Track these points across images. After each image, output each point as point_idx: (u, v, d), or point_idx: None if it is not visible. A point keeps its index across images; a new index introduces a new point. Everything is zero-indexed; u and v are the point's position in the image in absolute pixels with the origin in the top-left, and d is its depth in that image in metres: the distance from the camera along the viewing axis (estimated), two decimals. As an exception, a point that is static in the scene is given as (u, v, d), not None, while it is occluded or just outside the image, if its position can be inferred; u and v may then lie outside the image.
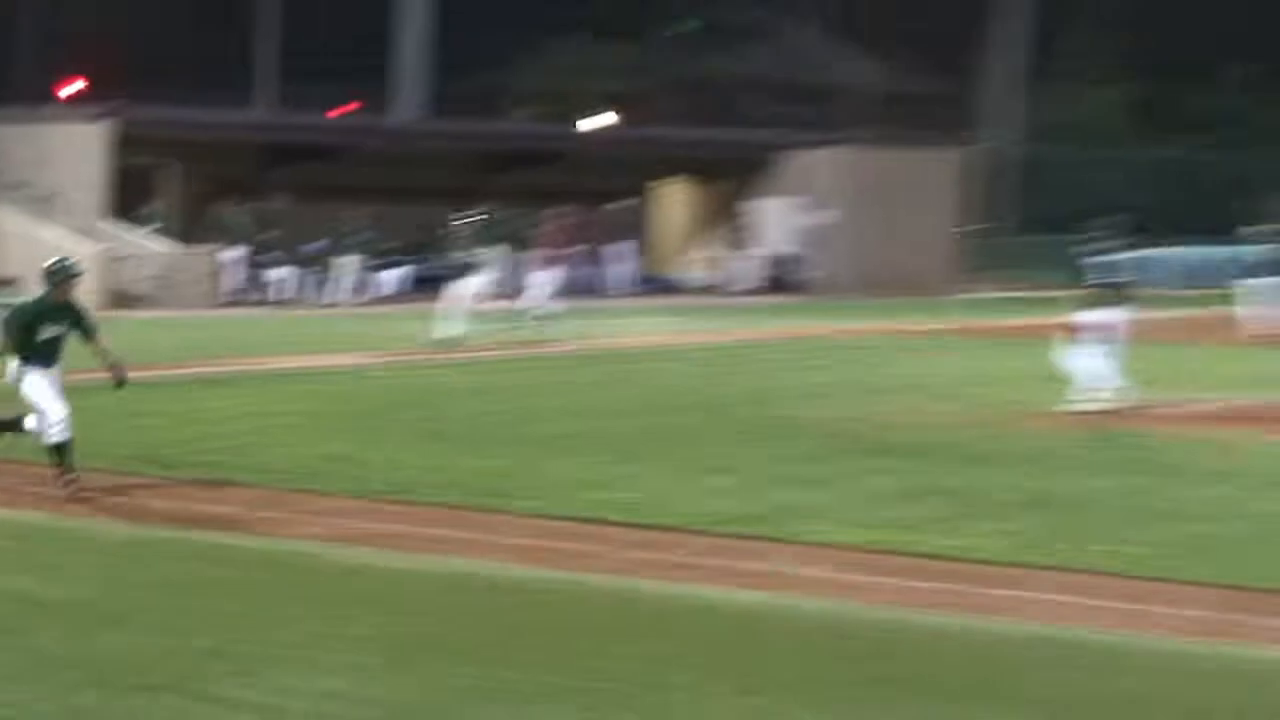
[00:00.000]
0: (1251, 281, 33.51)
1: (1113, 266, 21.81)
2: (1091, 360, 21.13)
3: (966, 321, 36.70)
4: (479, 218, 32.31)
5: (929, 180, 42.01)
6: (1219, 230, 40.70)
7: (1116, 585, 11.64)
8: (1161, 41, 60.72)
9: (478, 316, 30.15)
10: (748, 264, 42.11)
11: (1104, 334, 21.16)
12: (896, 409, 21.99)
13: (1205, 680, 9.47)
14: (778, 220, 40.90)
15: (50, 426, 14.28)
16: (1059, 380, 21.43)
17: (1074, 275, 22.41)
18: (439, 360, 27.72)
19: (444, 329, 29.39)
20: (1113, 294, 21.47)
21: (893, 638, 10.15)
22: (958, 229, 43.14)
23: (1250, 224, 35.42)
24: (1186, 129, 62.06)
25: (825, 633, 10.35)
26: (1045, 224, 36.88)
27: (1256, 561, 12.41)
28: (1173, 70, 62.44)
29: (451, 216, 33.61)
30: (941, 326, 35.62)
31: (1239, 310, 34.04)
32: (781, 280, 41.61)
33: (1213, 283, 39.63)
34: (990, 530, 13.61)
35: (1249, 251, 34.84)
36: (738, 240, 42.23)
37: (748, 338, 33.98)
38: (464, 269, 30.46)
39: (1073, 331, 21.59)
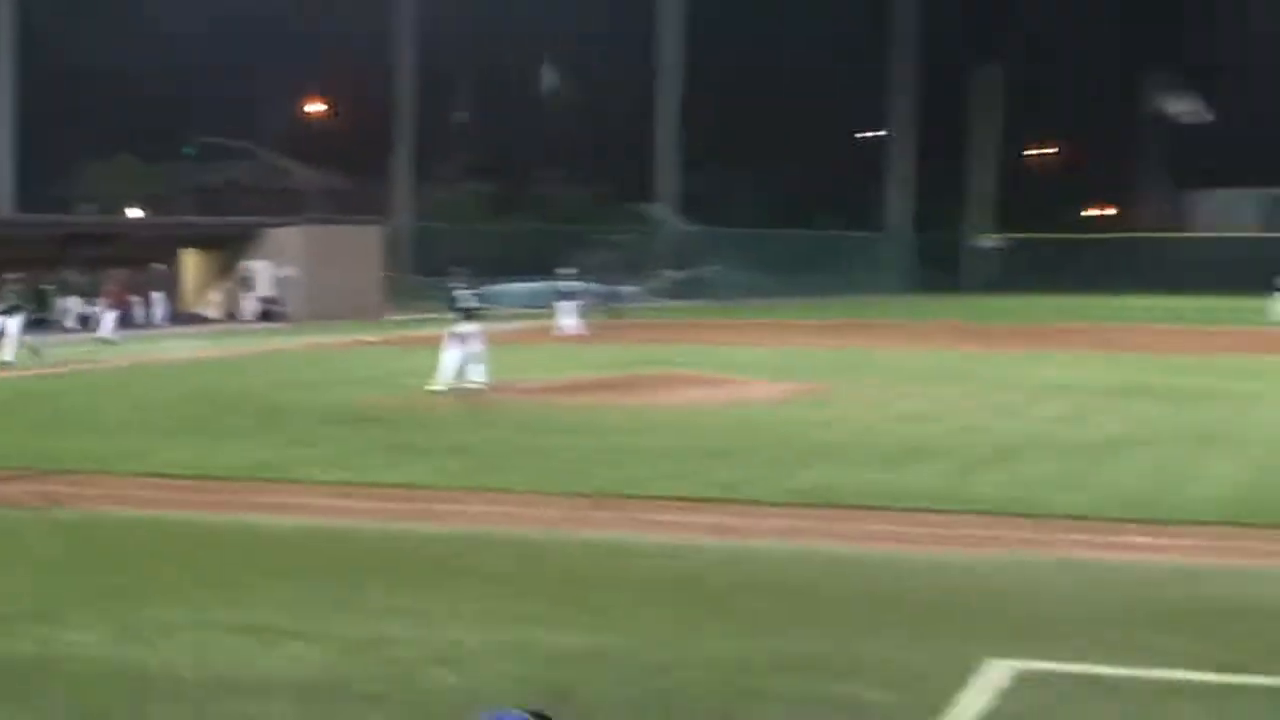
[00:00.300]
0: (558, 304, 48.74)
1: (468, 297, 29.21)
2: (454, 358, 28.11)
3: (390, 335, 46.71)
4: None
5: (360, 245, 58.54)
6: (542, 272, 58.41)
7: (512, 498, 16.77)
8: (500, 153, 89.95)
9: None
10: (247, 303, 55.50)
11: (464, 340, 28.11)
12: (358, 394, 28.24)
13: (577, 549, 14.20)
14: (263, 274, 55.45)
15: None
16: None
17: (446, 304, 30.01)
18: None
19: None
20: (467, 314, 28.64)
21: (374, 542, 14.48)
22: (381, 275, 60.14)
23: (561, 268, 52.74)
24: (516, 210, 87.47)
25: (328, 539, 14.65)
26: (431, 271, 48.46)
27: (587, 479, 17.75)
28: (508, 172, 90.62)
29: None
30: (376, 339, 44.90)
31: (553, 322, 47.24)
32: (270, 313, 56.45)
33: (540, 305, 54.88)
34: (426, 467, 18.99)
35: (559, 285, 50.89)
36: (238, 288, 56.13)
37: (252, 352, 40.90)
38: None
39: (447, 339, 28.56)
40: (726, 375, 32.39)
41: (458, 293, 29.23)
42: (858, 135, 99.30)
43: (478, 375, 28.19)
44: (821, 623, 11.25)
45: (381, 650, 10.33)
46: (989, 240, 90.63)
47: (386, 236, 62.97)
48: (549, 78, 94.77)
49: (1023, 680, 9.71)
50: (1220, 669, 9.94)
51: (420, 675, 9.76)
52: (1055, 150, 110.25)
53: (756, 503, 16.60)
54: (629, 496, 16.98)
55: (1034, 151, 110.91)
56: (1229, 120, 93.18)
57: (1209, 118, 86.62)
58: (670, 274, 73.74)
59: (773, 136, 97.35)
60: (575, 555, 13.94)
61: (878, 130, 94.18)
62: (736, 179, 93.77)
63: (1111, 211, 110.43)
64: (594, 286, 62.35)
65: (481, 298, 30.69)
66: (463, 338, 28.29)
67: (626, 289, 63.32)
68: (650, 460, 19.61)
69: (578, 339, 44.44)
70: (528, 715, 3.23)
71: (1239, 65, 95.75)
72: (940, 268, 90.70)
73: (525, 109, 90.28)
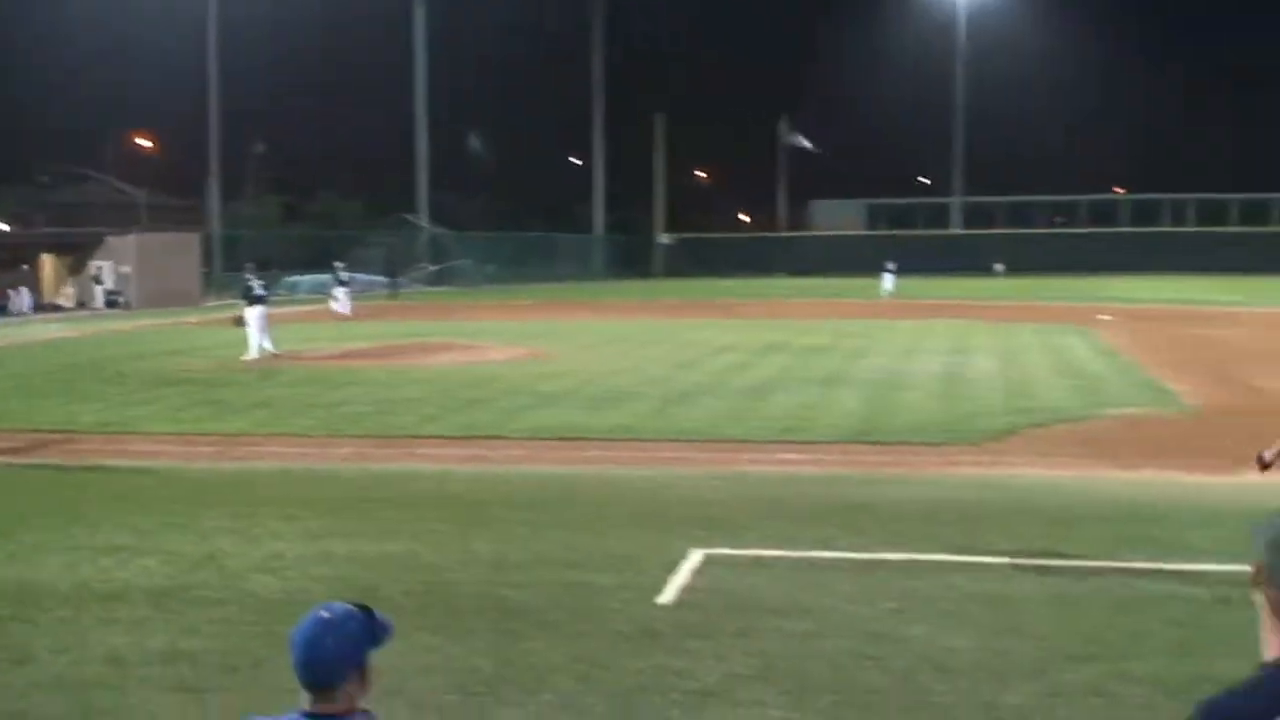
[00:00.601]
0: (334, 290, 46.56)
1: (257, 286, 27.96)
2: (253, 332, 27.12)
3: (206, 317, 43.58)
4: None
5: (183, 248, 56.63)
6: (323, 265, 55.89)
7: (309, 440, 16.34)
8: (291, 173, 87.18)
9: None
10: (98, 294, 52.22)
11: (256, 320, 27.16)
12: (183, 363, 26.83)
13: (365, 478, 13.89)
14: (108, 272, 52.55)
15: None
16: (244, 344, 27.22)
17: (241, 292, 28.72)
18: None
19: None
20: (257, 299, 27.55)
21: (202, 478, 14.13)
22: (200, 271, 57.38)
23: (338, 260, 50.15)
24: (304, 218, 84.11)
25: (167, 477, 14.13)
26: (237, 268, 46.08)
27: (367, 423, 17.42)
28: (300, 186, 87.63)
29: None
30: (196, 320, 41.85)
31: (329, 305, 45.54)
32: (113, 302, 53.41)
33: (323, 292, 52.06)
34: (240, 419, 18.33)
35: (335, 275, 47.66)
36: (88, 282, 52.95)
37: (100, 332, 38.18)
38: None
39: (246, 319, 27.51)
40: (471, 342, 32.04)
41: (250, 282, 28.40)
42: (570, 159, 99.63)
43: (268, 345, 27.30)
44: (560, 526, 11.18)
45: (216, 562, 10.01)
46: (667, 238, 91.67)
47: (203, 241, 60.90)
48: (474, 144, 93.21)
49: (712, 563, 9.80)
50: (855, 549, 10.18)
51: (249, 581, 9.48)
52: (710, 171, 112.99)
53: (499, 437, 16.47)
54: (401, 436, 16.68)
55: (699, 172, 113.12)
56: (834, 149, 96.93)
57: (818, 150, 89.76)
58: (428, 267, 72.69)
59: (504, 160, 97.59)
60: (364, 482, 13.63)
61: (585, 155, 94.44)
62: (476, 193, 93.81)
63: (748, 219, 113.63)
64: (376, 278, 61.88)
65: (267, 286, 29.60)
66: (255, 317, 27.46)
67: (401, 279, 62.31)
68: (415, 408, 19.30)
69: (349, 318, 43.29)
70: (352, 606, 3.03)
71: (841, 109, 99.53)
72: (633, 260, 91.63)
73: (311, 137, 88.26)
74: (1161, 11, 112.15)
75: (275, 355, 27.09)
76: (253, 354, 27.02)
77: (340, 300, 45.12)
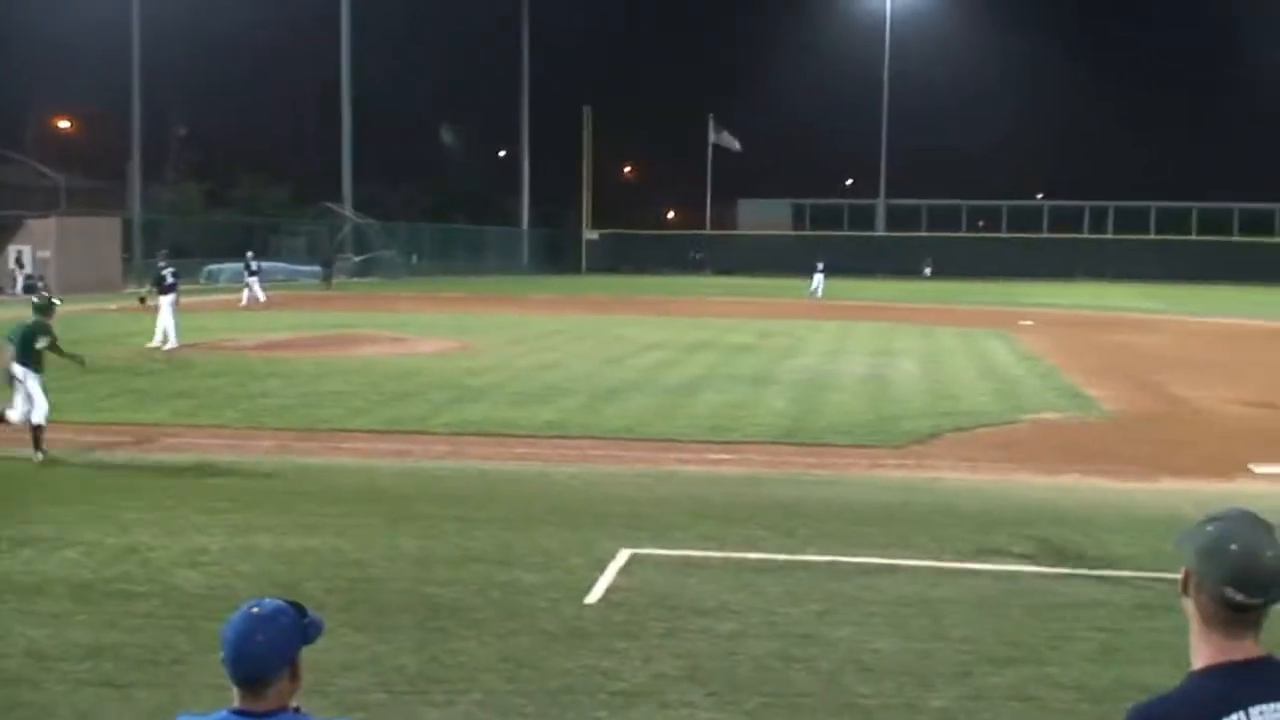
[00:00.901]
0: (248, 279, 44.93)
1: (168, 275, 27.80)
2: (166, 319, 26.71)
3: (126, 303, 41.11)
4: None
5: (103, 233, 55.28)
6: (237, 254, 52.77)
7: (232, 432, 16.10)
8: (213, 158, 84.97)
9: None
10: (18, 276, 50.17)
11: (168, 307, 26.84)
12: (104, 350, 25.66)
13: (289, 471, 13.74)
14: (27, 256, 51.41)
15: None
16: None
17: (153, 280, 28.47)
18: None
19: None
20: (168, 287, 27.30)
21: (124, 468, 13.93)
22: (120, 257, 56.12)
23: (249, 251, 47.69)
24: (226, 205, 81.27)
25: (89, 467, 13.98)
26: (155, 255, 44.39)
27: (291, 416, 17.30)
28: (224, 171, 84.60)
29: None
30: (115, 307, 39.90)
31: (244, 294, 44.47)
32: (31, 287, 49.30)
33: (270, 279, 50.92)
34: (161, 409, 18.09)
35: (249, 264, 45.77)
36: (8, 265, 51.28)
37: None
38: None
39: (160, 306, 27.09)
40: (397, 334, 31.83)
41: (163, 270, 28.24)
42: (499, 153, 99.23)
43: (173, 335, 26.89)
44: (487, 524, 11.14)
45: (138, 555, 9.87)
46: (594, 234, 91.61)
47: (124, 226, 59.52)
48: (447, 136, 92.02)
49: (640, 562, 9.83)
50: (782, 550, 10.26)
51: (171, 575, 9.35)
52: (638, 168, 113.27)
53: (426, 432, 16.36)
54: (325, 429, 16.51)
55: (628, 168, 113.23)
56: (762, 148, 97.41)
57: (740, 150, 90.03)
58: (352, 257, 72.01)
59: (432, 152, 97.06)
60: (287, 475, 13.50)
61: (514, 149, 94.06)
62: (402, 183, 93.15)
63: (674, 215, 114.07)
64: (302, 266, 61.33)
65: (178, 274, 29.20)
66: (166, 305, 27.18)
67: (333, 268, 61.54)
68: (340, 400, 19.12)
69: (263, 306, 42.79)
70: (283, 602, 3.03)
71: (770, 108, 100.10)
72: (560, 255, 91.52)
73: (233, 121, 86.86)
74: (1088, 18, 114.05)
75: (179, 346, 26.69)
76: (162, 341, 26.65)
77: (252, 288, 44.69)
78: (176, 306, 27.36)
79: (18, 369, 14.20)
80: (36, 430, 14.01)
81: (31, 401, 14.12)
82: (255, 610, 3.02)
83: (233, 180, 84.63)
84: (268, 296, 44.72)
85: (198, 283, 57.26)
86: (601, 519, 11.34)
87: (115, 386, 20.49)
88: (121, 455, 14.66)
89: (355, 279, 66.89)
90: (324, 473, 13.67)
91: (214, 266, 60.29)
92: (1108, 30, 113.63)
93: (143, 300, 27.62)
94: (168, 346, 26.41)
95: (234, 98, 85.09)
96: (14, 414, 14.20)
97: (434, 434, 16.25)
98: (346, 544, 10.28)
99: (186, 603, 8.57)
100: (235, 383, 21.21)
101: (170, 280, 27.69)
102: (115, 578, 9.22)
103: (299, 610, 3.05)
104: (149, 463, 14.23)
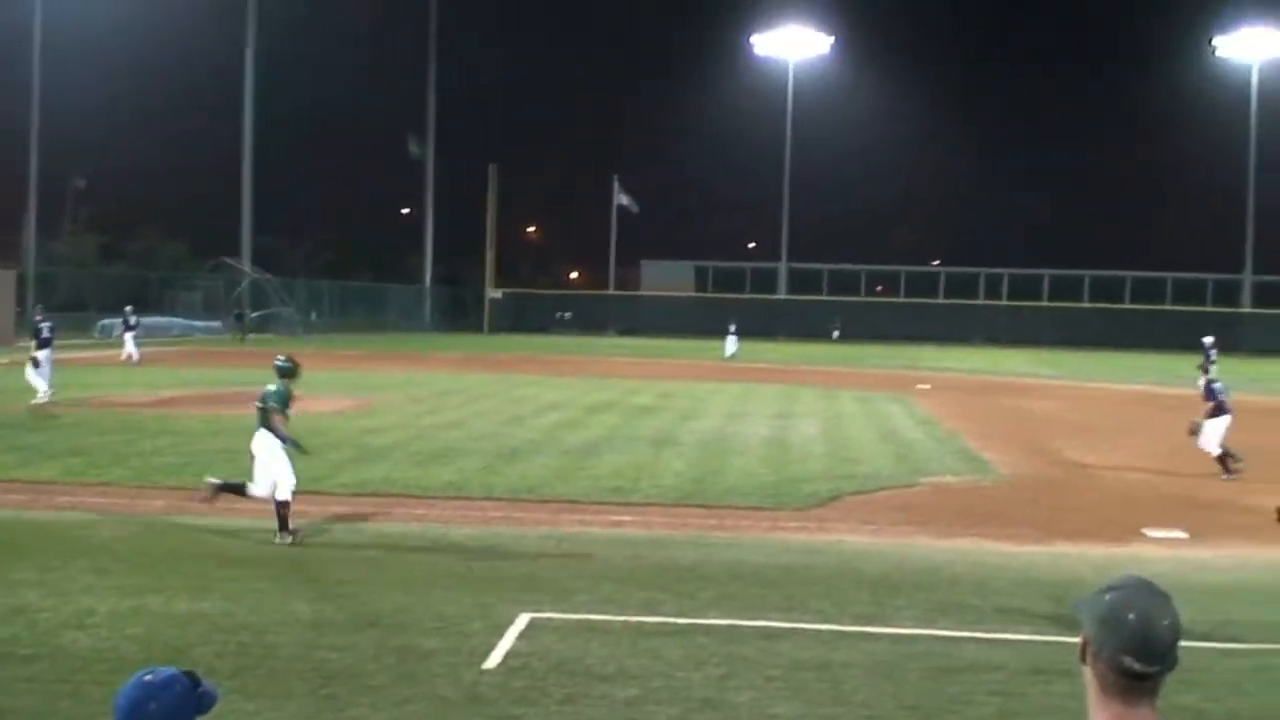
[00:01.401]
0: (125, 335, 43.73)
1: (45, 330, 27.65)
2: (39, 377, 26.07)
3: (17, 358, 39.75)
4: None
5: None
6: (144, 306, 52.43)
7: (122, 490, 15.74)
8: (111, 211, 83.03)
9: None
10: None
11: (43, 364, 26.28)
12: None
13: (179, 531, 13.43)
14: None
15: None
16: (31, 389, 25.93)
17: (32, 335, 27.98)
18: None
19: None
20: (44, 341, 27.00)
21: (10, 527, 13.55)
22: (13, 310, 54.12)
23: (128, 306, 45.61)
24: (123, 258, 79.86)
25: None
26: (54, 308, 42.39)
27: (181, 474, 16.65)
28: (121, 224, 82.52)
29: None
30: (5, 361, 38.30)
31: (125, 350, 43.35)
32: None
33: (145, 337, 48.78)
34: (51, 466, 17.59)
35: (127, 320, 44.64)
36: None
37: None
38: None
39: (29, 363, 26.49)
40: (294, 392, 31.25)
41: (40, 325, 28.07)
42: (403, 210, 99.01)
43: (44, 390, 26.15)
44: (384, 586, 10.96)
45: (25, 617, 9.58)
46: (498, 292, 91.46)
47: (17, 279, 57.62)
48: (415, 147, 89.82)
49: (539, 626, 9.72)
50: (682, 614, 10.22)
51: (59, 637, 9.09)
52: (542, 228, 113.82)
53: (323, 493, 16.08)
54: (219, 489, 16.09)
55: (531, 228, 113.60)
56: (665, 211, 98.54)
57: (636, 210, 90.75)
58: (249, 313, 71.02)
59: (333, 208, 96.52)
60: (178, 536, 13.20)
61: (415, 206, 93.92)
62: (301, 240, 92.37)
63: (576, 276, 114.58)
64: (200, 321, 60.45)
65: (54, 329, 28.68)
66: (43, 360, 26.70)
67: (248, 322, 60.64)
68: (232, 459, 18.62)
69: (138, 363, 41.86)
70: (178, 672, 2.95)
71: (673, 170, 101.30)
72: (462, 313, 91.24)
73: (133, 174, 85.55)
74: (983, 94, 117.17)
75: (50, 401, 25.98)
76: (41, 397, 26.03)
77: (127, 344, 43.84)
78: (51, 361, 27.08)
79: None
80: None
81: None
82: (148, 678, 2.94)
83: (130, 233, 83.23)
84: (141, 354, 43.66)
85: (92, 336, 56.09)
86: (501, 582, 11.22)
87: (4, 443, 19.91)
88: (7, 513, 14.21)
89: (252, 335, 65.95)
90: (216, 534, 13.38)
91: (108, 320, 59.07)
92: (1008, 103, 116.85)
93: (35, 363, 26.76)
94: (38, 400, 25.73)
95: (133, 150, 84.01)
96: None
97: (331, 494, 16.01)
98: (237, 607, 10.04)
99: (75, 666, 8.28)
100: (127, 440, 20.72)
101: (46, 335, 27.52)
102: (2, 640, 8.92)
103: (193, 679, 2.98)
104: (38, 521, 13.84)
